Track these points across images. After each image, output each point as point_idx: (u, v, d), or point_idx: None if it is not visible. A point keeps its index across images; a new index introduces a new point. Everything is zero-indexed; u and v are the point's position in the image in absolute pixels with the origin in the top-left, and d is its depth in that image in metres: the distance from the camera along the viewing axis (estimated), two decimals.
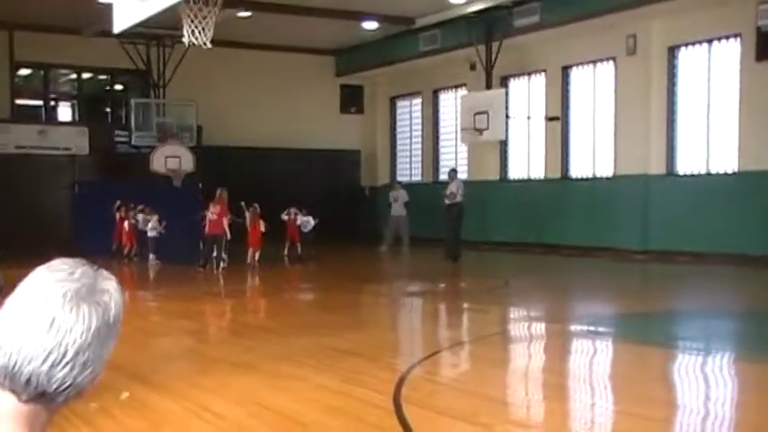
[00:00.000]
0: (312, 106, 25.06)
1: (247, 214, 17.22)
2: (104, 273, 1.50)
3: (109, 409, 5.68)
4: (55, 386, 1.41)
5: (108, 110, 24.42)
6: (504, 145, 21.38)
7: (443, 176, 23.78)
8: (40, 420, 1.44)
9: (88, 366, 1.42)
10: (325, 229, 19.05)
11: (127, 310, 1.53)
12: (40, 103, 23.41)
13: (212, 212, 16.58)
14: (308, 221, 18.12)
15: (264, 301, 13.61)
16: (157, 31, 20.03)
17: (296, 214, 18.20)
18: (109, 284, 1.48)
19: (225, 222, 16.53)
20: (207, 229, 16.62)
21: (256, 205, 17.27)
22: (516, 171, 21.66)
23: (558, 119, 19.91)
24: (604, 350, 8.86)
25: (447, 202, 18.21)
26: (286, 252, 18.10)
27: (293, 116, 24.45)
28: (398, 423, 5.35)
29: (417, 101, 25.07)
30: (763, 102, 15.59)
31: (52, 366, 1.39)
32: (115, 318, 1.46)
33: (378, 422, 5.49)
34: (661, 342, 8.71)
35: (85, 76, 23.82)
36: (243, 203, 17.28)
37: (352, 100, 26.23)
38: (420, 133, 25.01)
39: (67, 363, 1.40)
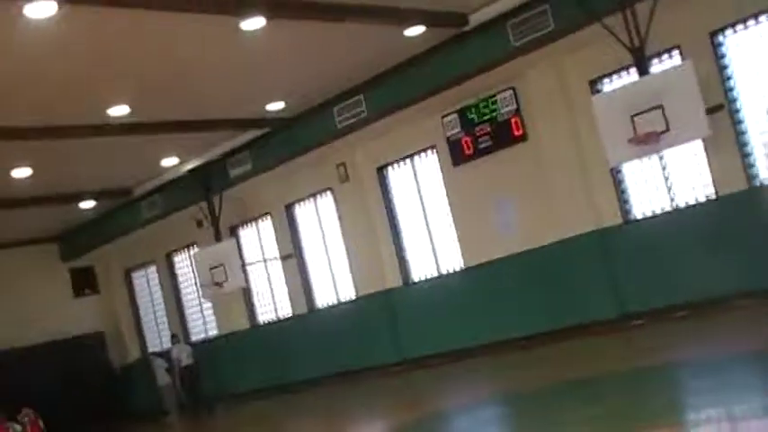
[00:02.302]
0: (43, 297, 23.81)
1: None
2: None
3: None
4: None
5: None
6: (247, 292, 21.52)
7: (195, 337, 23.45)
8: None
9: None
10: (81, 418, 17.82)
11: None
12: None
13: None
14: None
15: None
16: None
17: (34, 415, 17.02)
18: None
19: None
20: None
21: None
22: (266, 314, 21.76)
23: (293, 256, 20.41)
24: None
25: (178, 367, 17.94)
26: None
27: (24, 312, 23.07)
28: None
29: (153, 268, 24.68)
30: (467, 200, 17.01)
31: None
32: None
33: None
34: None
35: None
36: None
37: (84, 281, 25.21)
38: (162, 300, 24.53)
39: None
